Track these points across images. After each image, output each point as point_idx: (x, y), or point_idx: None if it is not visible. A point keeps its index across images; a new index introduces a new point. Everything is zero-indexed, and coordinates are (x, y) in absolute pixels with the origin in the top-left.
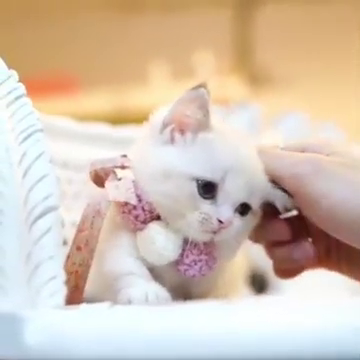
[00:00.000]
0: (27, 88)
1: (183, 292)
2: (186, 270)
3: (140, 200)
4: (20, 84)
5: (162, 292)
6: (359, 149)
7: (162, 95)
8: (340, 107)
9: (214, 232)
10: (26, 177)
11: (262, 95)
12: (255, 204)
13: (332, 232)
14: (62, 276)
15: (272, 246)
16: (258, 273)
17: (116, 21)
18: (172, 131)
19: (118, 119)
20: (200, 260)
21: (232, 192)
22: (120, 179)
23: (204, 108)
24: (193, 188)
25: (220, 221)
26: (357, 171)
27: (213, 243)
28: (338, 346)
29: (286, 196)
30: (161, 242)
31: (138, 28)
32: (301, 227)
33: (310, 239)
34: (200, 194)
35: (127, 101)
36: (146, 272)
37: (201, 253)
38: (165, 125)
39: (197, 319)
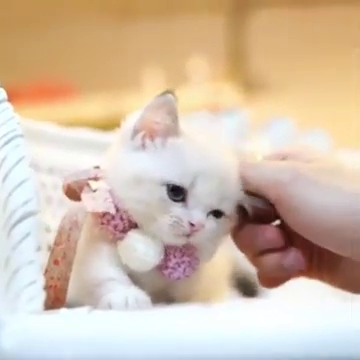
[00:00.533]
0: (23, 94)
1: (165, 297)
2: (171, 273)
3: (117, 209)
4: (1, 89)
5: (142, 296)
6: (345, 156)
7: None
8: (335, 114)
9: (187, 235)
10: (6, 182)
11: (256, 101)
12: (228, 208)
13: (314, 239)
14: (41, 281)
15: (259, 255)
16: (246, 277)
17: (110, 28)
18: (143, 137)
19: (112, 125)
20: (183, 262)
21: (202, 196)
22: (95, 190)
23: (172, 114)
24: (163, 192)
25: (192, 224)
26: (337, 176)
27: (193, 244)
28: (321, 350)
29: (256, 198)
30: (142, 249)
31: (132, 35)
32: (284, 236)
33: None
34: (170, 198)
35: (121, 107)
36: (126, 278)
37: (183, 255)
38: (136, 131)
39: (176, 323)
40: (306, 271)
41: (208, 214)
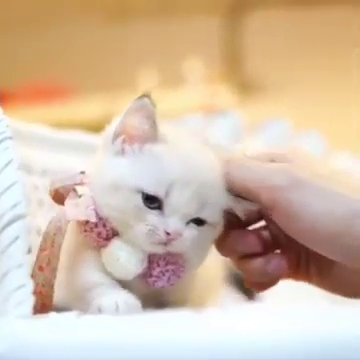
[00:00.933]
0: (19, 95)
1: (156, 301)
2: (155, 282)
3: (100, 217)
4: None
5: (132, 300)
6: (340, 159)
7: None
8: (332, 115)
9: (165, 244)
10: None
11: (252, 103)
12: (211, 215)
13: (312, 246)
14: (30, 285)
15: (242, 259)
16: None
17: (106, 29)
18: (122, 142)
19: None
20: (167, 270)
21: (179, 205)
22: (80, 196)
23: (150, 119)
24: (138, 200)
25: (167, 233)
26: (334, 182)
27: (176, 253)
28: (313, 356)
29: (245, 201)
30: (124, 258)
31: (128, 36)
32: (269, 238)
33: (278, 250)
34: (146, 205)
35: (117, 109)
36: (115, 282)
37: (167, 263)
38: (116, 136)
39: (165, 328)
40: (293, 274)
41: (188, 222)
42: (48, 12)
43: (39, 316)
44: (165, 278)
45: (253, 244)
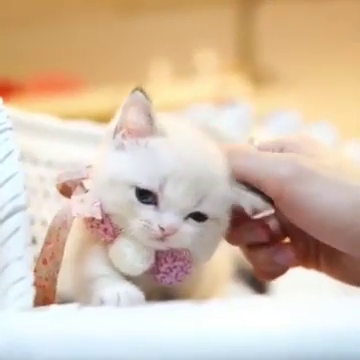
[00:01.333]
0: (30, 87)
1: (165, 295)
2: (163, 278)
3: (106, 214)
4: None
5: (135, 292)
6: (350, 149)
7: (164, 94)
8: (344, 107)
9: (161, 239)
10: None
11: (264, 94)
12: (212, 210)
13: (321, 238)
14: (30, 277)
15: (250, 248)
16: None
17: (118, 20)
18: (122, 136)
19: None
20: (175, 267)
21: (175, 199)
22: (87, 191)
23: (145, 112)
24: (132, 195)
25: (162, 228)
26: (342, 172)
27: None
28: (310, 349)
29: (256, 198)
30: (131, 254)
31: (140, 27)
32: (278, 227)
33: (287, 238)
34: (140, 200)
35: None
36: (119, 275)
37: (175, 260)
38: (116, 130)
39: (165, 319)
40: (303, 262)
41: (186, 217)
42: (59, 4)
43: (39, 308)
44: (173, 274)
45: (260, 234)
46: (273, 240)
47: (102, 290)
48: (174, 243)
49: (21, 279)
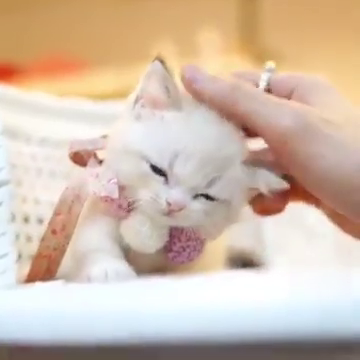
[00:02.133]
0: (34, 69)
1: (162, 271)
2: (175, 257)
3: (122, 188)
4: None
5: (123, 269)
6: None
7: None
8: (349, 88)
9: (167, 214)
10: None
11: None
12: (223, 194)
13: (322, 198)
14: (13, 253)
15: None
16: (241, 254)
17: (121, 1)
18: (141, 107)
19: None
20: (188, 246)
21: (183, 177)
22: (101, 162)
23: (162, 84)
24: (146, 167)
25: (169, 203)
26: (351, 132)
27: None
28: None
29: (270, 176)
30: (146, 232)
31: (143, 8)
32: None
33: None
34: (154, 171)
35: (133, 81)
36: (116, 249)
37: (189, 239)
38: (136, 100)
39: (149, 296)
40: (304, 197)
41: (197, 196)
42: None
43: (25, 285)
44: (185, 254)
45: (281, 207)
46: None
47: (90, 267)
48: (180, 221)
49: (4, 256)
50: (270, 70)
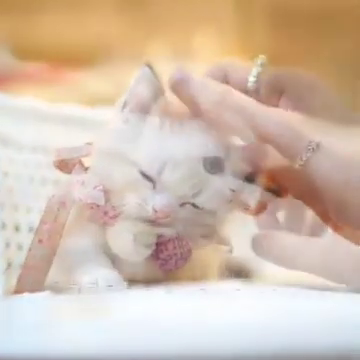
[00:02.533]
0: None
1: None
2: (162, 265)
3: (108, 194)
4: None
5: (113, 277)
6: None
7: (164, 77)
8: (347, 89)
9: (153, 221)
10: None
11: None
12: (209, 205)
13: (333, 216)
14: (1, 264)
15: None
16: (236, 264)
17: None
18: (130, 111)
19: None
20: (175, 254)
21: (170, 185)
22: (87, 169)
23: (150, 89)
24: (134, 172)
25: (155, 210)
26: (347, 143)
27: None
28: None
29: (256, 192)
30: (133, 241)
31: (138, 6)
32: None
33: None
34: (142, 177)
35: (128, 82)
36: (103, 258)
37: (175, 247)
38: (125, 104)
39: (138, 305)
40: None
41: (183, 204)
42: None
43: (14, 296)
44: (172, 262)
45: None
46: None
47: (81, 276)
48: (166, 228)
49: None
50: (262, 64)
